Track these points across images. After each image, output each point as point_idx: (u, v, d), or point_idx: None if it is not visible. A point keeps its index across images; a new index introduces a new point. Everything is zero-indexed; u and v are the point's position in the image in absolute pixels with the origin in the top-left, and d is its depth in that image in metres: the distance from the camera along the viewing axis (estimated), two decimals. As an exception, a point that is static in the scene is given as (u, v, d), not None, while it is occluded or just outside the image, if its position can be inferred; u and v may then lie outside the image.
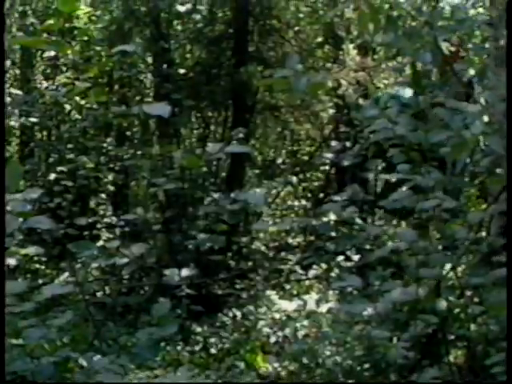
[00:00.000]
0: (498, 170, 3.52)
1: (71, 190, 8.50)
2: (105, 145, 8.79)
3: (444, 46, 3.46)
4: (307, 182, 9.76)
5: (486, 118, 3.40)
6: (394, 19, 3.30)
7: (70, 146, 8.82)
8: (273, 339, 6.00)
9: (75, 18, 8.82)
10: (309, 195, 9.96)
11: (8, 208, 3.33)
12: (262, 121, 9.28)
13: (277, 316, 6.58)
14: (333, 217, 4.27)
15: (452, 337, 3.86)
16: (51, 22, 8.83)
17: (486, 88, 3.83)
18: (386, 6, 3.42)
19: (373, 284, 4.46)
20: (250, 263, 7.63)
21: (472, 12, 6.39)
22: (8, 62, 9.79)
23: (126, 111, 8.21)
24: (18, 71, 9.75)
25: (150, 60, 8.48)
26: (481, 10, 6.57)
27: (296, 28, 8.67)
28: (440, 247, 3.85)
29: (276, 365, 5.29)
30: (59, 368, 3.27)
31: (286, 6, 8.52)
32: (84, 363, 3.32)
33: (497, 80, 3.89)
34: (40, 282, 6.60)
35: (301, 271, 7.42)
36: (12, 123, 9.23)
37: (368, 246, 4.63)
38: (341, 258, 5.22)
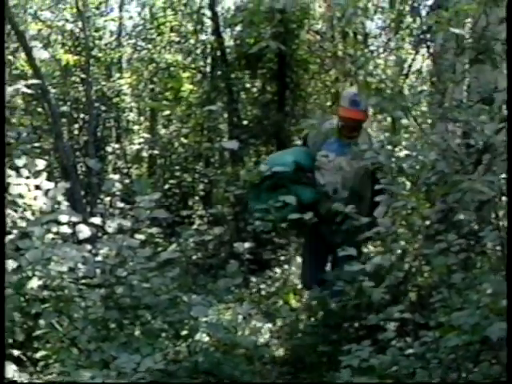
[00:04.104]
0: (440, 184, 3.45)
1: (178, 195, 8.61)
2: (197, 167, 8.88)
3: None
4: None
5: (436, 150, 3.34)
6: (380, 89, 3.26)
7: (177, 167, 8.92)
8: (299, 286, 5.92)
9: (181, 90, 8.89)
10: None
11: (141, 204, 3.34)
12: (293, 153, 9.20)
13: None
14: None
15: (410, 285, 3.78)
16: (167, 93, 8.93)
17: (434, 133, 3.76)
18: (374, 80, 3.37)
19: (363, 253, 4.39)
20: (286, 240, 7.54)
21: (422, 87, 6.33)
22: (142, 118, 9.87)
23: (211, 146, 8.29)
24: (148, 123, 9.82)
25: (226, 115, 8.49)
26: (425, 87, 6.49)
27: (315, 96, 8.62)
28: (404, 230, 3.79)
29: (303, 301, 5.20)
30: (171, 302, 3.27)
31: (309, 82, 8.47)
32: (186, 299, 3.32)
33: (440, 128, 3.81)
34: (159, 249, 6.62)
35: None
36: (144, 154, 9.38)
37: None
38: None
